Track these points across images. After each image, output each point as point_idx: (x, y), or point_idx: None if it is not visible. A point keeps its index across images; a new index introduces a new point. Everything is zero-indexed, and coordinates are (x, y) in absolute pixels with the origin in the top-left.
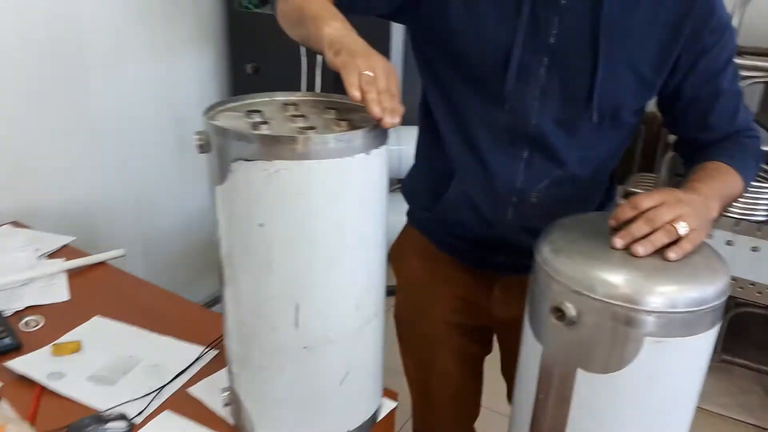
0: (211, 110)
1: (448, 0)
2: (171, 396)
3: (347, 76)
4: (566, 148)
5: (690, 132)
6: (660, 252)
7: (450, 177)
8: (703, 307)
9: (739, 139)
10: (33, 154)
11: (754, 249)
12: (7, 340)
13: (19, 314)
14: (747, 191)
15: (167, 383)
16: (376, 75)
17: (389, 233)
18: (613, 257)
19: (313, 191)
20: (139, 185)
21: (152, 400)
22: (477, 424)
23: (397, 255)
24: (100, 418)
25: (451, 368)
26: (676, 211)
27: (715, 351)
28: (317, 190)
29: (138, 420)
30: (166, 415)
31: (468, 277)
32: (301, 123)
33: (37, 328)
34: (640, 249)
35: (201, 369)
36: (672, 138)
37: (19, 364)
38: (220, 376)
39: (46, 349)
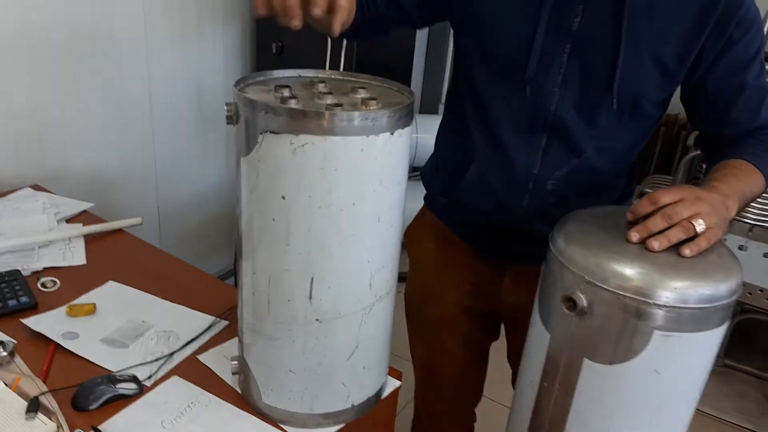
0: (241, 83)
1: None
2: (181, 362)
3: None
4: (585, 136)
5: (712, 126)
6: (675, 248)
7: (469, 164)
8: (714, 304)
9: (763, 137)
10: (58, 121)
11: (766, 255)
12: (24, 299)
13: (37, 275)
14: (764, 195)
15: (178, 349)
16: None
17: (404, 219)
18: (628, 250)
19: (336, 167)
20: (159, 157)
21: (162, 365)
22: (477, 412)
23: (412, 238)
24: (112, 379)
25: (457, 351)
26: (694, 209)
27: (718, 355)
28: (340, 166)
29: (148, 383)
30: (175, 380)
31: (480, 264)
32: (328, 100)
33: (53, 289)
34: (656, 244)
35: (211, 338)
36: (691, 141)
37: (34, 322)
38: (230, 346)
39: (62, 310)
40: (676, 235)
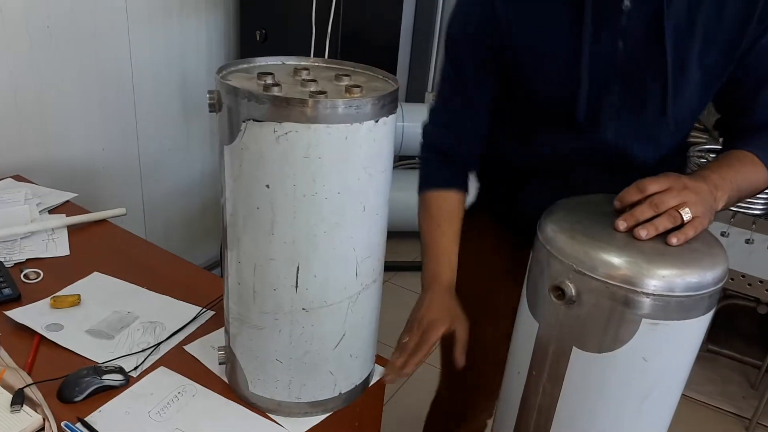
0: (223, 70)
1: (518, 49)
2: (167, 353)
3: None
4: (643, 157)
5: (732, 112)
6: (662, 236)
7: (526, 183)
8: (701, 292)
9: None
10: (39, 111)
11: (748, 241)
12: (7, 291)
13: (20, 266)
14: None
15: (164, 340)
16: (410, 342)
17: (391, 208)
18: (616, 239)
19: (321, 155)
20: (143, 147)
21: (149, 356)
22: None
23: (463, 229)
24: (98, 370)
25: (498, 343)
26: (681, 197)
27: (702, 341)
28: (324, 154)
29: (134, 374)
30: (162, 371)
31: (527, 255)
32: (312, 87)
33: (36, 280)
34: (643, 232)
35: (197, 328)
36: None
37: (18, 314)
38: (216, 336)
39: (45, 302)
40: (663, 223)
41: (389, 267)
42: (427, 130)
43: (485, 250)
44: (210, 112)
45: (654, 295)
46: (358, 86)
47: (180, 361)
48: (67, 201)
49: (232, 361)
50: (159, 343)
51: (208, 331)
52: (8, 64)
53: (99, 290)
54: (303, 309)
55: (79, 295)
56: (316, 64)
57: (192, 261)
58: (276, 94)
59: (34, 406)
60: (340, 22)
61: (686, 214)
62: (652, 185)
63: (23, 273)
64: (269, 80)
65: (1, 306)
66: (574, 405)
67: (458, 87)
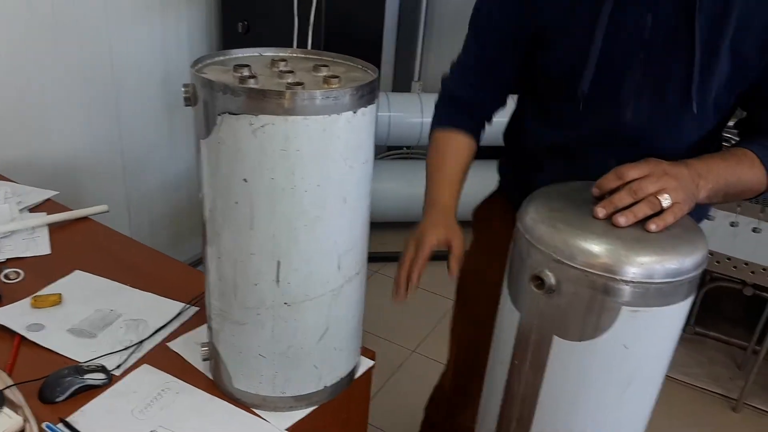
0: (199, 63)
1: (543, 22)
2: (150, 350)
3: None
4: (663, 142)
5: (754, 106)
6: (641, 223)
7: (541, 166)
8: (680, 278)
9: None
10: (18, 108)
11: (733, 224)
12: None
13: (0, 266)
14: None
15: (147, 337)
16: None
17: (376, 200)
18: (595, 227)
19: (299, 147)
20: (126, 143)
21: (132, 354)
22: None
23: (480, 216)
24: (79, 369)
25: None
26: (661, 183)
27: (689, 323)
28: (303, 147)
29: (117, 372)
30: (145, 368)
31: None
32: (289, 79)
33: (17, 280)
34: (622, 219)
35: (181, 325)
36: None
37: None
38: (200, 332)
39: (26, 301)
40: (642, 210)
41: (378, 258)
42: (444, 80)
43: (503, 237)
44: (186, 105)
45: (633, 282)
46: (336, 77)
47: (164, 359)
48: (48, 199)
49: (215, 357)
50: (142, 341)
51: (192, 327)
52: None
53: (81, 289)
54: (285, 303)
55: (60, 294)
56: (294, 55)
57: (179, 257)
58: (252, 86)
59: (14, 407)
60: (323, 12)
61: (665, 201)
62: (631, 171)
63: (3, 273)
64: (245, 72)
65: None
66: (557, 394)
67: (479, 54)
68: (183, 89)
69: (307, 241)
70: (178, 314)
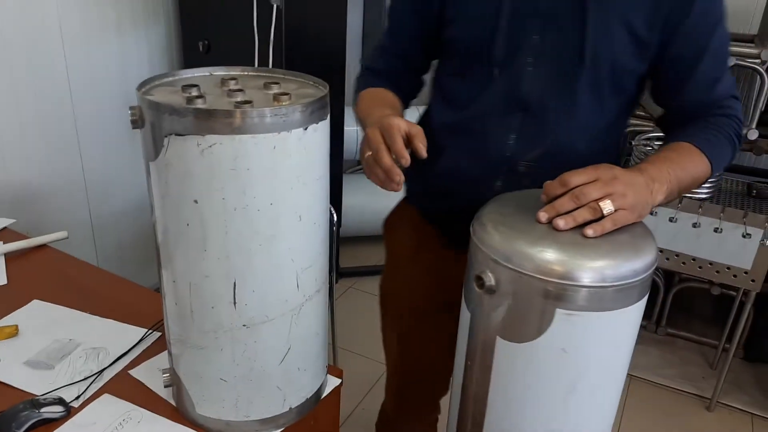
0: (146, 84)
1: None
2: (111, 379)
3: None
4: (560, 114)
5: (668, 96)
6: (582, 228)
7: (442, 151)
8: (616, 284)
9: (716, 118)
10: None
11: (695, 225)
12: None
13: None
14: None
15: (107, 366)
16: (379, 145)
17: (347, 214)
18: (537, 231)
19: (249, 166)
20: (88, 167)
21: (91, 384)
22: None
23: (388, 226)
24: (36, 403)
25: (428, 343)
26: (606, 189)
27: (660, 325)
28: (253, 166)
29: (76, 404)
30: (106, 398)
31: (452, 254)
32: (238, 98)
33: None
34: (561, 223)
35: (143, 351)
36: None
37: None
38: (163, 358)
39: None
40: (583, 215)
41: (351, 273)
42: (362, 60)
43: (410, 245)
44: (133, 128)
45: (566, 285)
46: (286, 94)
47: (125, 387)
48: (4, 228)
49: (177, 383)
50: (102, 370)
51: (154, 353)
52: None
53: (38, 319)
54: (244, 325)
55: (16, 325)
56: (245, 73)
57: (149, 281)
58: (198, 106)
59: None
60: (283, 29)
61: (606, 207)
62: (575, 178)
63: None
64: (194, 92)
65: None
66: (504, 395)
67: (394, 35)
68: (129, 112)
69: (262, 261)
70: (140, 340)
